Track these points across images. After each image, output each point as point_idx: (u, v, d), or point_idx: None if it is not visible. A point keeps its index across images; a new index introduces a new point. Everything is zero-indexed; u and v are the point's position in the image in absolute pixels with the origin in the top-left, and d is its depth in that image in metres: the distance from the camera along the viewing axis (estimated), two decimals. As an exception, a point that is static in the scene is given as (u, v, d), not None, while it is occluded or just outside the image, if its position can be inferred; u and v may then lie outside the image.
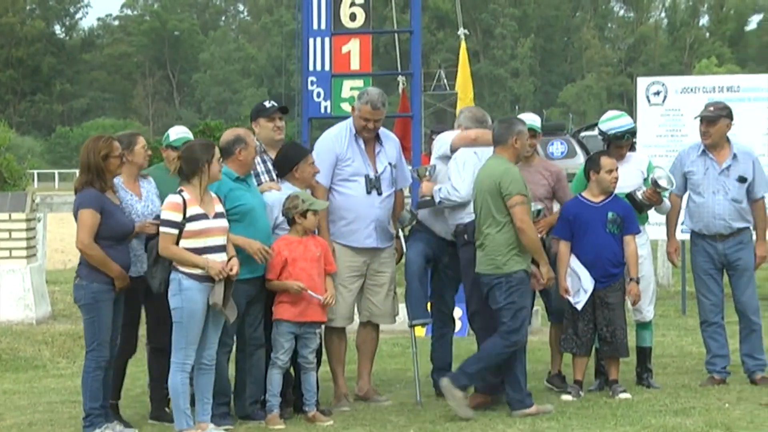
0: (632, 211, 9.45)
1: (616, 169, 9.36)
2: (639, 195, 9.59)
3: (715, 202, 9.74)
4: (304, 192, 8.81)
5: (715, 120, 9.74)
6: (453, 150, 9.28)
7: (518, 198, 8.63)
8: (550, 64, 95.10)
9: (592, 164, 9.45)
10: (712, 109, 9.83)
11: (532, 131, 9.60)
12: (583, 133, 30.79)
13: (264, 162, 9.15)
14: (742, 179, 9.76)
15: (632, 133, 9.83)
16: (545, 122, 42.74)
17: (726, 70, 71.64)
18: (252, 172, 8.93)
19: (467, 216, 9.06)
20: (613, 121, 9.77)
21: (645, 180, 9.72)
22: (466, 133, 9.32)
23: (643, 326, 9.87)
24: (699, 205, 9.79)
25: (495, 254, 8.71)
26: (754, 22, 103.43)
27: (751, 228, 9.89)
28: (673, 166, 10.04)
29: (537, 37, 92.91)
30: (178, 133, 9.31)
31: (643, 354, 9.92)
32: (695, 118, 9.95)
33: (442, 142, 9.41)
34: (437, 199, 9.17)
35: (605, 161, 9.37)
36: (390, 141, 9.52)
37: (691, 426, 8.20)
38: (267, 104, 9.37)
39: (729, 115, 9.82)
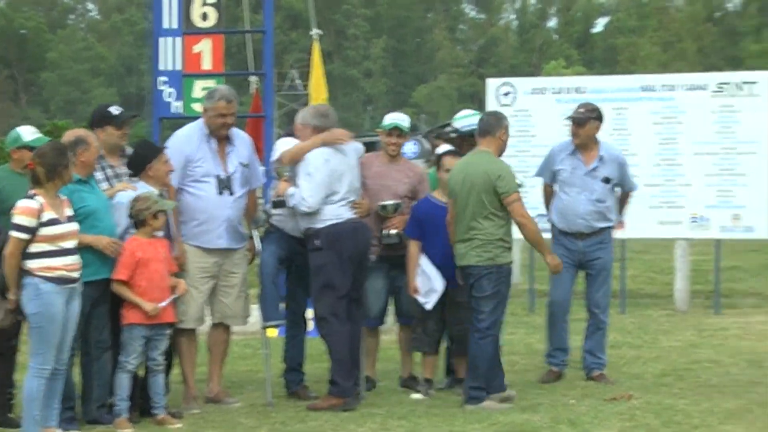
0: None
1: None
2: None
3: (578, 201, 9.93)
4: (152, 192, 8.70)
5: (584, 122, 9.94)
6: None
7: (516, 195, 8.86)
8: (403, 65, 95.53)
9: (437, 164, 9.56)
10: (582, 110, 10.02)
11: (398, 130, 9.67)
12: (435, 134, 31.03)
13: (103, 169, 8.93)
14: (606, 180, 9.99)
15: None
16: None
17: (573, 72, 72.90)
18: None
19: (320, 222, 9.04)
20: (467, 119, 9.91)
21: None
22: (285, 153, 9.22)
23: None
24: (564, 203, 9.98)
25: (488, 246, 8.86)
26: (600, 24, 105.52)
27: (612, 228, 10.14)
28: (544, 161, 10.24)
29: (389, 38, 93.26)
30: (33, 133, 9.04)
31: None
32: (566, 119, 10.13)
33: (276, 149, 9.37)
34: (290, 203, 9.15)
35: (446, 160, 9.46)
36: (242, 140, 9.47)
37: (538, 422, 8.34)
38: (115, 111, 9.06)
39: (598, 117, 10.03)
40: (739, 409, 8.62)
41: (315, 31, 16.21)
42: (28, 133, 9.01)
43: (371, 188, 9.50)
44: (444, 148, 9.73)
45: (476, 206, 8.89)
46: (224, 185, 9.18)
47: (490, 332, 8.90)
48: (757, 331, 12.33)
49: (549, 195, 10.25)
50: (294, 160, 9.12)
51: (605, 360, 10.12)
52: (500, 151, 9.12)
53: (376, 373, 9.93)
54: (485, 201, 8.87)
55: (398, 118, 9.81)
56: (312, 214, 9.04)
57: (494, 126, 9.07)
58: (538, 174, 10.32)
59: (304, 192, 9.03)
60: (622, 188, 10.20)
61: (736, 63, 77.94)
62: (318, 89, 15.38)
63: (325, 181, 9.03)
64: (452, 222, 9.09)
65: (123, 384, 8.47)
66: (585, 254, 9.99)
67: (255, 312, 9.78)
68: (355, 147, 9.32)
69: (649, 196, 13.86)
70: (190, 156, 9.14)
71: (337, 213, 9.05)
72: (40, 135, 9.00)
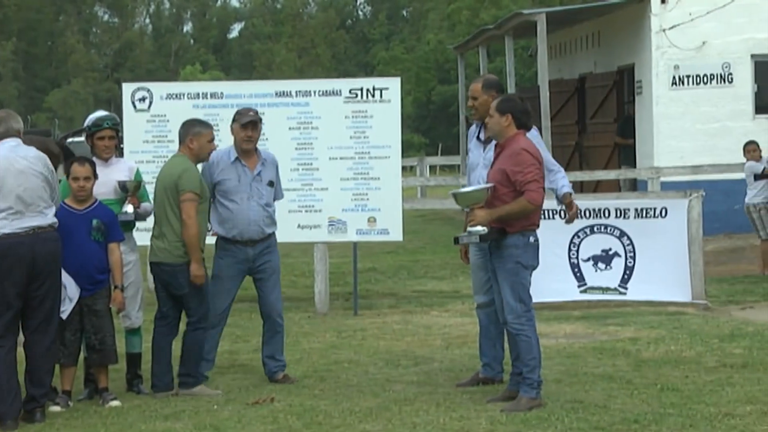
0: (116, 218, 9.47)
1: (85, 178, 9.25)
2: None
3: (249, 207, 9.91)
4: None
5: (257, 123, 9.96)
6: None
7: (190, 195, 9.34)
8: (35, 69, 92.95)
9: (66, 173, 9.38)
10: (252, 113, 9.99)
11: None
12: (69, 139, 30.35)
13: None
14: (271, 184, 10.06)
15: (114, 123, 9.77)
16: (30, 128, 41.66)
17: (210, 77, 73.22)
18: None
19: None
20: (93, 114, 9.89)
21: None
22: None
23: (132, 332, 9.87)
24: (234, 211, 9.89)
25: (178, 244, 9.36)
26: (236, 30, 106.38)
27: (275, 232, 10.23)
28: (202, 174, 9.98)
29: (19, 41, 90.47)
30: None
31: (133, 360, 9.90)
32: (242, 124, 9.97)
33: None
34: None
35: (74, 168, 9.30)
36: None
37: (181, 429, 8.32)
38: None
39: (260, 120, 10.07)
40: (377, 407, 8.87)
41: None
42: None
43: None
44: None
45: (167, 206, 9.36)
46: None
47: (201, 324, 9.57)
48: (393, 331, 12.71)
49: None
50: None
51: (285, 361, 10.18)
52: (196, 157, 9.57)
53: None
54: (172, 200, 9.35)
55: None
56: None
57: (182, 134, 9.60)
58: None
59: None
60: (277, 195, 10.22)
61: (368, 69, 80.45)
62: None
63: None
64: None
65: None
66: (254, 261, 9.99)
67: None
68: (37, 155, 8.89)
69: (288, 201, 13.99)
70: None
71: None
72: None
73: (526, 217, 8.78)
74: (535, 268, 8.99)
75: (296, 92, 14.40)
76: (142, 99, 14.30)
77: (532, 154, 8.76)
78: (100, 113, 9.94)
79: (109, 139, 9.78)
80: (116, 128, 9.85)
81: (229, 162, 9.99)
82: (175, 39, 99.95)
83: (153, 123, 14.22)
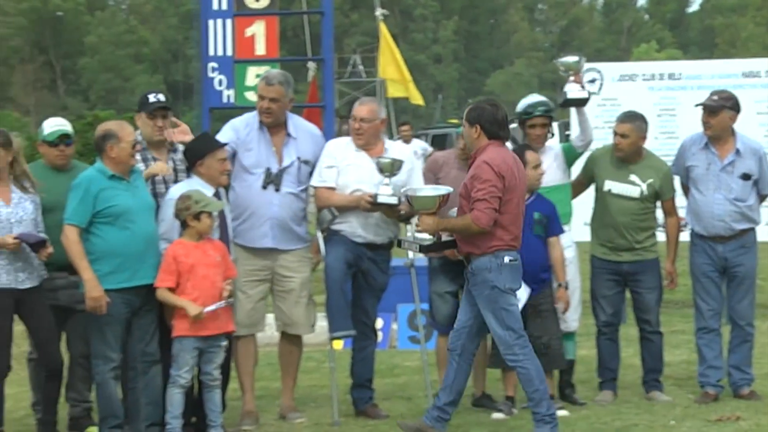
0: (556, 210, 9.52)
1: (541, 164, 9.45)
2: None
3: (714, 200, 9.80)
4: (197, 191, 8.61)
5: (717, 110, 9.79)
6: None
7: None
8: (475, 49, 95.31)
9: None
10: (716, 98, 9.86)
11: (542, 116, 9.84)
12: (512, 125, 30.94)
13: (146, 160, 8.95)
14: (746, 176, 9.84)
15: (546, 110, 9.83)
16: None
17: (667, 56, 72.48)
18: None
19: None
20: (526, 99, 9.96)
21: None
22: None
23: (566, 337, 9.81)
24: (699, 203, 9.83)
25: None
26: (696, 3, 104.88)
27: (756, 229, 9.98)
28: (676, 159, 10.13)
29: (461, 20, 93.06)
30: (53, 126, 9.07)
31: (566, 367, 9.90)
32: (696, 105, 9.96)
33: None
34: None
35: (530, 156, 9.42)
36: (308, 136, 9.46)
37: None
38: (152, 98, 9.08)
39: (734, 107, 9.84)
40: None
41: (380, 11, 16.19)
42: (47, 125, 9.11)
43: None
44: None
45: None
46: (271, 179, 9.18)
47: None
48: None
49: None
50: None
51: (753, 375, 10.00)
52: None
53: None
54: None
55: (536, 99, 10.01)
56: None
57: None
58: (675, 172, 10.11)
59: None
60: (760, 189, 9.93)
61: None
62: (395, 71, 15.12)
63: None
64: None
65: (176, 400, 8.50)
66: (727, 260, 9.85)
67: (319, 322, 9.79)
68: None
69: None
70: (240, 142, 9.20)
71: None
72: (58, 129, 9.05)
73: (493, 236, 8.28)
74: (516, 290, 8.43)
75: (766, 72, 14.05)
76: (592, 81, 14.30)
77: (493, 168, 8.26)
78: (532, 98, 9.98)
79: (540, 128, 9.84)
80: (549, 115, 9.92)
81: (698, 148, 9.85)
82: (628, 15, 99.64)
83: (604, 107, 14.25)
